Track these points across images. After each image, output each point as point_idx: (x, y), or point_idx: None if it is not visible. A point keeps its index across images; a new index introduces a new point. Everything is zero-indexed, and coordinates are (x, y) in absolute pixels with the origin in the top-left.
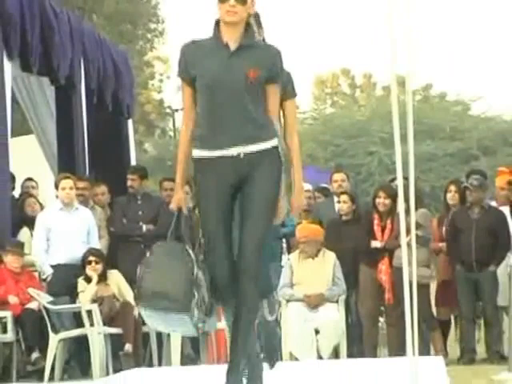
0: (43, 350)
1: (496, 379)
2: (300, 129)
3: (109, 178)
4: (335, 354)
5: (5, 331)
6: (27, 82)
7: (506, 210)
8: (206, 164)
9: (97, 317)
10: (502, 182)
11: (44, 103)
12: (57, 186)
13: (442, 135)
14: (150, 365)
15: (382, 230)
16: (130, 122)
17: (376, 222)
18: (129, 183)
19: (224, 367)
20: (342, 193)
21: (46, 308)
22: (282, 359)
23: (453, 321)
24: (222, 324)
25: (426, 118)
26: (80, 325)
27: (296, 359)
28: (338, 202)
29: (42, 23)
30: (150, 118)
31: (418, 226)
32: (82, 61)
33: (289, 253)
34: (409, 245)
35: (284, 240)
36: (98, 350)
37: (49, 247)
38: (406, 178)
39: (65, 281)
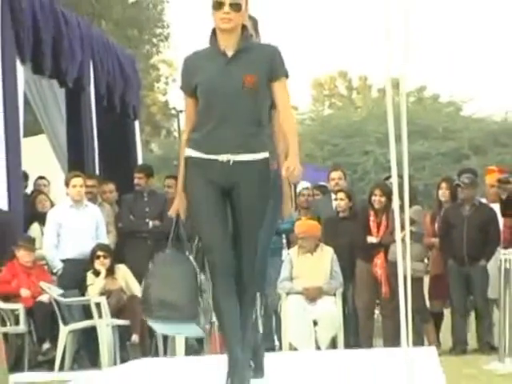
0: (54, 341)
1: (486, 369)
2: (299, 129)
3: (116, 176)
4: (333, 344)
5: (17, 323)
6: (39, 85)
7: (495, 206)
8: (197, 163)
9: (105, 309)
10: (491, 180)
11: (55, 105)
12: (67, 184)
13: (435, 135)
14: (156, 355)
15: (378, 226)
16: (136, 122)
17: (372, 218)
18: (136, 181)
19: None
20: (339, 190)
21: (56, 301)
22: (281, 349)
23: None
24: None
25: (420, 119)
26: (89, 317)
27: (295, 349)
28: (336, 199)
29: (53, 29)
30: (156, 119)
31: (412, 222)
32: (91, 64)
33: (288, 248)
34: (403, 240)
35: (284, 236)
36: (106, 340)
37: (59, 242)
38: (400, 177)
39: (74, 275)
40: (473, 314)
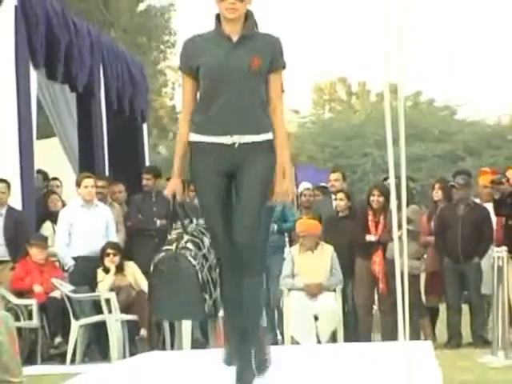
0: (65, 335)
1: (480, 362)
2: (300, 132)
3: (125, 177)
4: (333, 338)
5: (30, 318)
6: (51, 89)
7: (489, 206)
8: (202, 148)
9: (114, 305)
10: (485, 181)
11: (66, 109)
12: (78, 185)
13: (431, 138)
14: (163, 348)
15: (376, 225)
16: (144, 126)
17: (370, 217)
18: (144, 182)
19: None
20: (339, 191)
21: (68, 296)
22: (284, 343)
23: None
24: None
25: (416, 123)
26: (99, 312)
27: (297, 343)
28: (335, 199)
29: (65, 36)
30: (163, 123)
31: (409, 221)
32: (101, 70)
33: (290, 246)
34: (400, 238)
35: (286, 234)
36: (116, 335)
37: (70, 241)
38: (397, 177)
39: (85, 271)
40: (467, 309)
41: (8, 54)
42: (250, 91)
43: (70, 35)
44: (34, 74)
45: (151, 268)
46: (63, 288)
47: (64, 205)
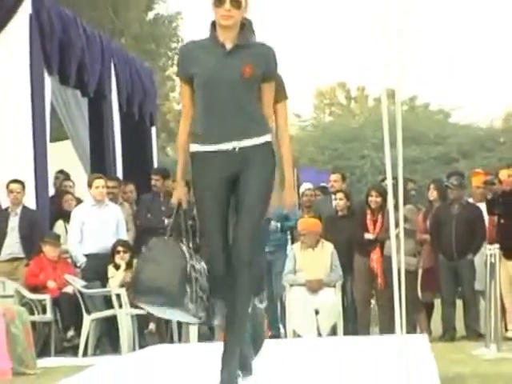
0: (78, 329)
1: (474, 354)
2: (301, 135)
3: (135, 177)
4: (333, 331)
5: (44, 312)
6: (64, 94)
7: (481, 206)
8: (202, 158)
9: (124, 299)
10: (478, 182)
11: (78, 112)
12: (90, 185)
13: (426, 141)
14: (171, 342)
15: (374, 224)
16: (153, 129)
17: (368, 217)
18: (153, 182)
19: None
20: (339, 191)
21: (80, 292)
22: (286, 336)
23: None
24: None
25: (412, 126)
26: (110, 306)
27: (298, 336)
28: (335, 199)
29: (77, 44)
30: (171, 126)
31: (406, 220)
32: (113, 75)
33: (292, 243)
34: (397, 236)
35: (288, 232)
36: (126, 328)
37: (82, 239)
38: (394, 178)
39: (96, 268)
40: (461, 304)
41: (23, 61)
42: (244, 98)
43: (82, 42)
44: (47, 80)
45: (142, 250)
46: (75, 284)
47: (78, 203)
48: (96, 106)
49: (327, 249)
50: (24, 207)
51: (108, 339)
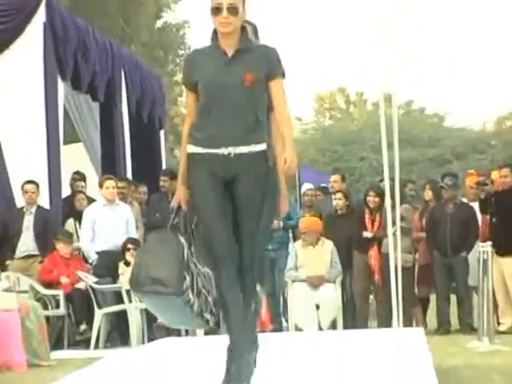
0: (89, 323)
1: (467, 347)
2: (303, 137)
3: (144, 178)
4: (333, 325)
5: (58, 307)
6: (76, 99)
7: (475, 205)
8: (199, 159)
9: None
10: (471, 183)
11: (90, 116)
12: (101, 186)
13: (422, 143)
14: (179, 335)
15: (372, 223)
16: (162, 132)
17: (367, 216)
18: (161, 183)
19: None
20: (338, 191)
21: (91, 287)
22: (288, 329)
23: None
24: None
25: (408, 129)
26: (120, 301)
27: (300, 329)
28: (335, 199)
29: (88, 51)
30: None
31: (402, 218)
32: (123, 81)
33: (294, 241)
34: (394, 234)
35: (290, 230)
36: (136, 322)
37: (94, 237)
38: (392, 179)
39: (107, 265)
40: (455, 299)
41: (37, 67)
42: (244, 105)
43: (94, 49)
44: (61, 85)
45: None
46: (87, 280)
47: (90, 202)
48: (107, 110)
49: (327, 246)
50: (38, 206)
51: (118, 333)
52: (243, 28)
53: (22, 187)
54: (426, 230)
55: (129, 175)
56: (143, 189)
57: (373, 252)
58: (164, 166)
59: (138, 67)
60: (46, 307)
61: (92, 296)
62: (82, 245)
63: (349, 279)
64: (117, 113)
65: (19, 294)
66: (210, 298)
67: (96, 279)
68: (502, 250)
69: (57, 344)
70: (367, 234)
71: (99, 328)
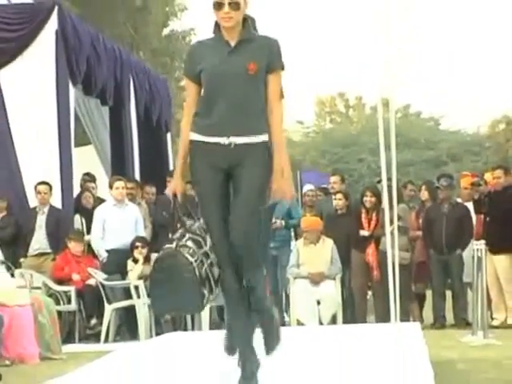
0: (100, 318)
1: (462, 341)
2: (304, 140)
3: (152, 179)
4: (333, 320)
5: (69, 302)
6: (87, 103)
7: (469, 205)
8: (200, 147)
9: (142, 291)
10: (465, 183)
11: (100, 120)
12: (110, 186)
13: (418, 145)
14: (185, 329)
15: (369, 222)
16: (168, 134)
17: (363, 215)
18: (168, 184)
19: None
20: (338, 192)
21: (102, 284)
22: (290, 324)
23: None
24: None
25: (405, 132)
26: (129, 297)
27: (302, 324)
28: (335, 199)
29: (98, 57)
30: None
31: (399, 218)
32: (132, 86)
33: (296, 239)
34: (392, 233)
35: (292, 229)
36: (144, 317)
37: (104, 235)
38: (389, 180)
39: (117, 262)
40: (450, 295)
41: (50, 73)
42: (247, 95)
43: (104, 56)
44: (72, 91)
45: (152, 265)
46: (98, 276)
47: (96, 201)
48: (116, 114)
49: (328, 244)
50: (51, 206)
51: (127, 327)
52: (245, 20)
53: (35, 188)
54: (422, 228)
55: (137, 176)
56: (151, 189)
57: (370, 250)
58: (171, 168)
59: (146, 73)
60: (58, 303)
61: (102, 292)
62: (92, 243)
63: (348, 276)
64: (125, 116)
65: (32, 290)
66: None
67: (106, 276)
68: (495, 248)
69: (68, 338)
70: (364, 233)
71: (109, 322)
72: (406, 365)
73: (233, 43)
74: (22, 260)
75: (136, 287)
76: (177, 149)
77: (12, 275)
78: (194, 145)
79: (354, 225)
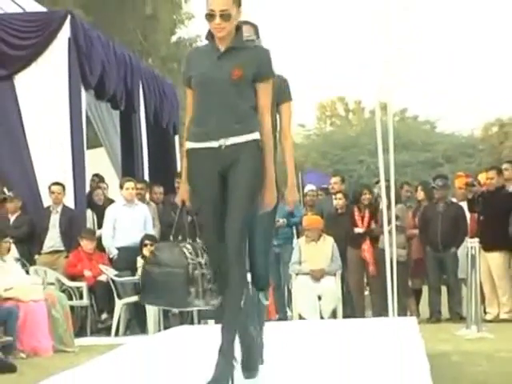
0: (110, 312)
1: (457, 334)
2: (305, 142)
3: (161, 180)
4: (333, 315)
5: (81, 298)
6: (98, 107)
7: (464, 204)
8: (194, 155)
9: None
10: (460, 184)
11: (111, 123)
12: (121, 187)
13: (415, 147)
14: (192, 323)
15: (362, 219)
16: (176, 137)
17: (356, 213)
18: (176, 185)
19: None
20: (338, 192)
21: (112, 280)
22: (293, 318)
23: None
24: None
25: (403, 135)
26: (139, 292)
27: (303, 319)
28: (335, 199)
29: (109, 63)
30: None
31: (397, 217)
32: (141, 91)
33: (298, 237)
34: (390, 232)
35: (294, 227)
36: (152, 312)
37: (115, 234)
38: (387, 181)
39: (127, 259)
40: (446, 290)
41: (63, 78)
42: (232, 98)
43: (114, 62)
44: (84, 95)
45: (150, 252)
46: (109, 273)
47: (105, 198)
48: (126, 117)
49: (328, 242)
50: (64, 206)
51: (137, 321)
52: (238, 28)
53: (49, 188)
54: (418, 227)
55: (146, 177)
56: (159, 190)
57: (366, 246)
58: (178, 169)
59: (155, 78)
60: (70, 298)
61: (113, 288)
62: (103, 241)
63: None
64: (135, 120)
65: (46, 286)
66: (213, 287)
67: (116, 272)
68: (488, 245)
69: (80, 332)
70: (358, 230)
71: (119, 317)
72: (403, 357)
73: (222, 49)
74: (36, 257)
75: None
76: (184, 151)
77: (27, 272)
78: (189, 152)
79: (347, 223)
